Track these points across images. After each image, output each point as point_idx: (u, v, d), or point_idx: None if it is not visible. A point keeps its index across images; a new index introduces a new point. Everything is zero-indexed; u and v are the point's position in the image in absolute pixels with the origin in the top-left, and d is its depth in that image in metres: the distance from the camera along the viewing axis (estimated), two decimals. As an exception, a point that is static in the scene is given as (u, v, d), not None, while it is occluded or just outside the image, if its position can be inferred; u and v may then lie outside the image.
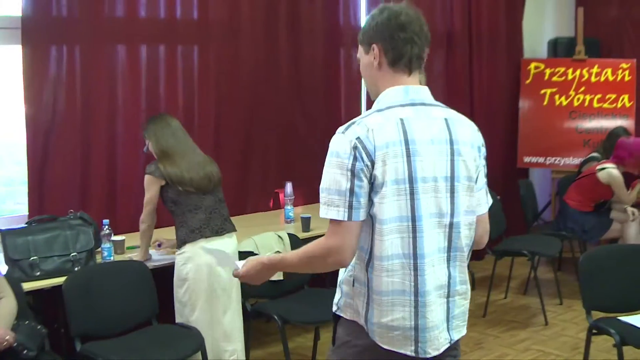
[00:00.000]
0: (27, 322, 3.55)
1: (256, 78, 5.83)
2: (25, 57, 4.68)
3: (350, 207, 2.29)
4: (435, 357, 2.41)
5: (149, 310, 4.23)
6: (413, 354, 2.37)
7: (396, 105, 2.35)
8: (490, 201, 2.54)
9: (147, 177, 4.22)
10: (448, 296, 2.41)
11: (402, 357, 2.39)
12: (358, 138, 2.27)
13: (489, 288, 6.00)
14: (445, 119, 2.39)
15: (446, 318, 2.42)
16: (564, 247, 6.54)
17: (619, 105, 7.53)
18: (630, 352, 4.10)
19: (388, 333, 2.36)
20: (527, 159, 7.66)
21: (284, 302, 4.60)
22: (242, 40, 5.73)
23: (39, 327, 3.57)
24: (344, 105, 6.45)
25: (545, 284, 6.47)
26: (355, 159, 2.27)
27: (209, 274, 4.19)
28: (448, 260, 2.39)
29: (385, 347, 2.37)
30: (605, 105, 7.56)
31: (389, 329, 2.35)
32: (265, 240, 4.75)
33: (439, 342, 2.40)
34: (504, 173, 7.67)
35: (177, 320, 4.25)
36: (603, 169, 6.18)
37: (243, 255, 4.50)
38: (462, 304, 2.47)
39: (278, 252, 4.71)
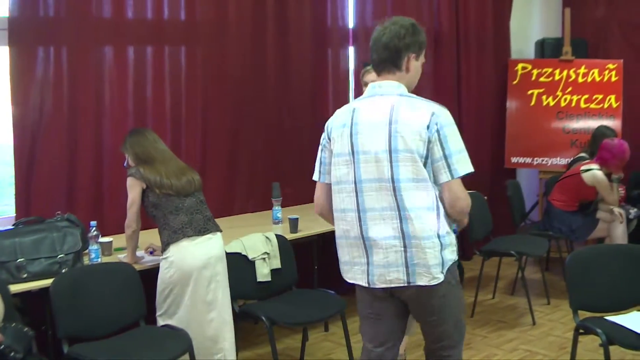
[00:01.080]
0: (14, 324, 3.53)
1: (243, 79, 5.83)
2: (12, 58, 4.67)
3: (320, 171, 3.34)
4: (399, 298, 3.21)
5: (136, 312, 4.22)
6: (365, 285, 3.20)
7: (360, 99, 3.26)
8: (459, 172, 3.04)
9: (129, 179, 4.24)
10: (404, 246, 3.07)
11: (360, 287, 3.27)
12: (327, 123, 3.30)
13: (476, 288, 6.02)
14: (392, 106, 3.08)
15: (404, 264, 3.08)
16: (551, 247, 6.56)
17: (606, 105, 7.57)
18: (617, 352, 4.12)
19: (351, 268, 3.25)
20: (514, 160, 7.70)
21: (272, 303, 4.60)
22: (230, 41, 5.73)
23: (25, 329, 3.54)
24: (331, 105, 6.44)
25: (533, 284, 6.50)
26: (323, 138, 3.30)
27: (194, 276, 4.19)
28: (399, 217, 3.06)
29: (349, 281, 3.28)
30: (592, 105, 7.60)
31: (349, 265, 3.26)
32: (253, 241, 4.74)
33: (387, 278, 3.13)
34: (492, 173, 7.71)
35: (158, 323, 4.25)
36: (587, 170, 6.21)
37: (230, 256, 4.52)
38: (421, 257, 3.06)
39: (266, 253, 4.72)
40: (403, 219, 3.05)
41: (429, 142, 3.00)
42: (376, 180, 3.08)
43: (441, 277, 3.09)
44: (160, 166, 4.25)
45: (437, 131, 3.01)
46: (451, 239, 3.14)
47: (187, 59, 5.52)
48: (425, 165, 3.03)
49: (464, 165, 3.05)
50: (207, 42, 5.61)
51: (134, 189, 4.22)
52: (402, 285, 3.11)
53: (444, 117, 3.05)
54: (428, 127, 3.01)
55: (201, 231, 4.26)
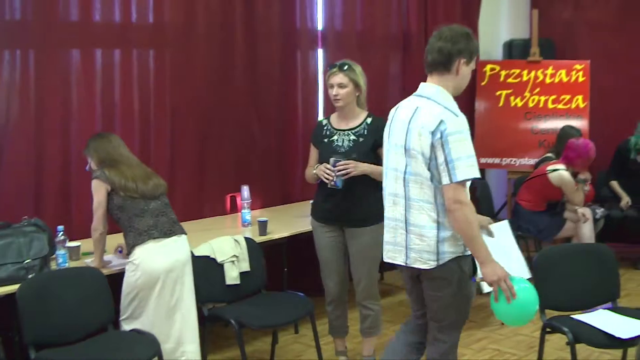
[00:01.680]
0: None
1: (212, 81, 5.81)
2: (-22, 62, 4.64)
3: None
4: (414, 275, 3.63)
5: (104, 317, 4.20)
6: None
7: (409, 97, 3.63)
8: (457, 178, 3.27)
9: (94, 182, 4.24)
10: (406, 231, 3.49)
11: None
12: None
13: (446, 288, 6.04)
14: (416, 107, 3.46)
15: (405, 246, 3.50)
16: (520, 247, 6.60)
17: (573, 105, 7.65)
18: (583, 350, 4.18)
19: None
20: (483, 160, 7.73)
21: (241, 306, 4.61)
22: (198, 43, 5.71)
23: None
24: (301, 107, 6.45)
25: (502, 284, 6.54)
26: None
27: (160, 279, 4.19)
28: (405, 205, 3.48)
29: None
30: (560, 106, 7.67)
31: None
32: (222, 244, 4.75)
33: (393, 255, 3.61)
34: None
35: (122, 327, 4.24)
36: (554, 170, 6.27)
37: (199, 259, 4.51)
38: (416, 243, 3.45)
39: (235, 256, 4.72)
40: (407, 207, 3.47)
41: (433, 146, 3.32)
42: (394, 169, 3.55)
43: (433, 264, 3.43)
44: (126, 169, 4.26)
45: (441, 137, 3.29)
46: (453, 233, 3.39)
47: (156, 62, 5.50)
48: (430, 165, 3.37)
49: (463, 171, 3.29)
50: (175, 45, 5.59)
51: (99, 192, 4.22)
52: (402, 264, 3.57)
53: (451, 125, 3.31)
54: (433, 132, 3.32)
55: (167, 233, 4.26)
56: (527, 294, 3.41)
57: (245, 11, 5.99)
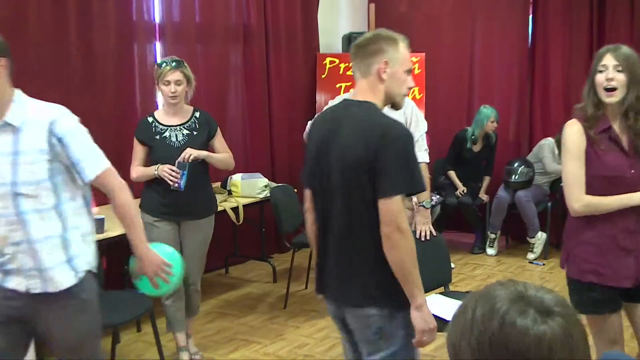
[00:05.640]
0: None
1: (44, 76, 5.54)
2: None
3: None
4: None
5: None
6: None
7: None
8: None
9: None
10: None
11: None
12: None
13: (288, 280, 6.12)
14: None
15: None
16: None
17: (410, 97, 7.83)
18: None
19: None
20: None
21: (78, 307, 4.48)
22: (29, 37, 5.46)
23: None
24: (139, 101, 6.32)
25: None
26: None
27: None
28: None
29: None
30: (398, 97, 7.86)
31: None
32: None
33: None
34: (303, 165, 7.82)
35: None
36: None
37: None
38: None
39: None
40: None
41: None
42: None
43: None
44: None
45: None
46: None
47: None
48: None
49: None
50: (3, 38, 5.33)
51: None
52: None
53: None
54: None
55: None
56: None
57: (78, 3, 5.78)
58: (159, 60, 4.67)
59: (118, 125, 6.08)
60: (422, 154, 4.61)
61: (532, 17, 8.10)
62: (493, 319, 1.34)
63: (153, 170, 4.57)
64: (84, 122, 5.85)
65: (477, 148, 7.64)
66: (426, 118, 7.73)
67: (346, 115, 2.96)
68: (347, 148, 2.86)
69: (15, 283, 3.02)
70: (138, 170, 4.67)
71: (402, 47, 3.01)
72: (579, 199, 3.31)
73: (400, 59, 2.97)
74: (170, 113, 4.64)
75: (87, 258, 3.11)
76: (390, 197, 2.76)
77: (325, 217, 3.02)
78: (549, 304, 1.35)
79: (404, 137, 2.85)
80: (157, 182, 4.57)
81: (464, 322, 1.38)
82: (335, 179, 2.91)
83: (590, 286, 3.37)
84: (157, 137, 4.60)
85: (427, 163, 4.69)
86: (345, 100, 3.08)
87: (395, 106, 3.06)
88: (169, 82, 4.50)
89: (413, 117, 4.66)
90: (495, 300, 1.36)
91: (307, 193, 3.15)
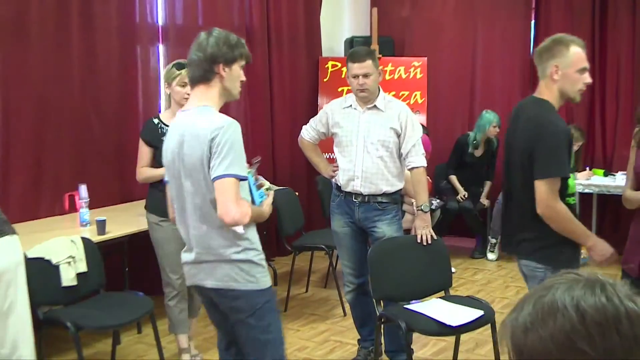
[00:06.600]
0: None
1: (47, 79, 5.58)
2: None
3: None
4: None
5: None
6: None
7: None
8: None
9: None
10: None
11: None
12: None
13: (289, 283, 6.12)
14: None
15: None
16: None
17: (412, 101, 7.89)
18: (422, 337, 4.32)
19: None
20: (327, 155, 7.86)
21: (79, 308, 4.48)
22: (32, 39, 5.48)
23: None
24: (141, 104, 6.33)
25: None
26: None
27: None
28: None
29: None
30: (400, 101, 7.89)
31: None
32: (57, 245, 4.59)
33: None
34: (306, 170, 7.83)
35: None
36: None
37: (33, 261, 4.37)
38: None
39: (72, 257, 4.60)
40: None
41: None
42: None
43: None
44: None
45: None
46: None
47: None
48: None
49: None
50: (6, 41, 5.35)
51: None
52: None
53: None
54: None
55: None
56: None
57: (82, 6, 5.80)
58: (175, 62, 4.65)
59: (121, 127, 6.09)
60: (420, 158, 4.62)
61: (534, 22, 8.13)
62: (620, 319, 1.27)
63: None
64: (86, 123, 5.97)
65: (478, 153, 7.66)
66: (428, 122, 7.85)
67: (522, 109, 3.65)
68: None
69: None
70: (145, 172, 4.68)
71: (573, 49, 3.41)
72: None
73: (570, 61, 3.40)
74: (175, 114, 4.64)
75: None
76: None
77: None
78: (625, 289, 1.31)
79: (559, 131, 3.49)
80: (162, 182, 4.56)
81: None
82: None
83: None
84: (163, 138, 4.60)
85: (425, 167, 4.68)
86: (529, 97, 3.71)
87: (572, 101, 3.66)
88: (185, 84, 4.51)
89: (408, 123, 4.64)
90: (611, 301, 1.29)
91: None
